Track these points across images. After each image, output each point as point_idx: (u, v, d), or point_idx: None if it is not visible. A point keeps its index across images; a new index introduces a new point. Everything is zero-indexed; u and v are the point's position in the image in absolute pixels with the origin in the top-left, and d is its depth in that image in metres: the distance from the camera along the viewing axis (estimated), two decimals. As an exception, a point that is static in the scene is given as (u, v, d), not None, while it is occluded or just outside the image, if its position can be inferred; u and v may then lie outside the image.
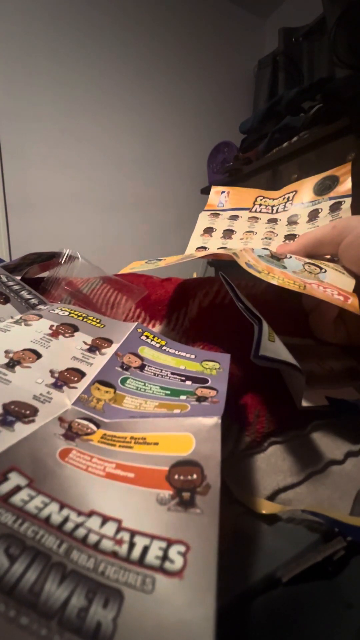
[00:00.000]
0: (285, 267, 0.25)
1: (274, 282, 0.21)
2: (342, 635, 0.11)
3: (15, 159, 1.46)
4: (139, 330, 0.25)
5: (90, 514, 0.10)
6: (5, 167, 1.44)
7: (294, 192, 0.39)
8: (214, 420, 0.14)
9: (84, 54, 1.58)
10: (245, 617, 0.11)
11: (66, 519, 0.10)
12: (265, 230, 0.36)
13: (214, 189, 0.43)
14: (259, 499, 0.16)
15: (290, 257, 0.26)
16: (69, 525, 0.10)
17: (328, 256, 0.28)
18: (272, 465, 0.18)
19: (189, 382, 0.19)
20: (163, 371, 0.21)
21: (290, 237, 0.34)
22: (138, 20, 1.70)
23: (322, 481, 0.17)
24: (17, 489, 0.11)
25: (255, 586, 0.12)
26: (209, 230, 0.38)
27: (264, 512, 0.15)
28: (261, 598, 0.11)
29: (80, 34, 1.56)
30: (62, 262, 0.40)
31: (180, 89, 1.85)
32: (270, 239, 0.35)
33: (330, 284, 0.23)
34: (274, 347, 0.18)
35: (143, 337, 0.24)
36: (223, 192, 0.42)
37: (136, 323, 0.26)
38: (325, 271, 0.25)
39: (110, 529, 0.10)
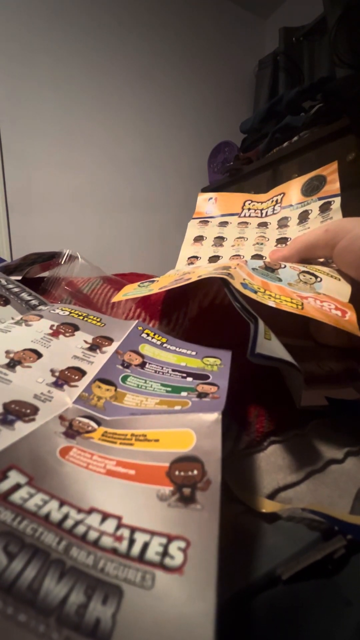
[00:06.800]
0: (280, 280, 0.24)
1: (271, 303, 0.21)
2: (341, 632, 0.11)
3: (17, 159, 1.46)
4: (140, 328, 0.25)
5: (90, 511, 0.10)
6: (6, 167, 1.44)
7: (282, 194, 0.38)
8: (214, 416, 0.14)
9: (85, 54, 1.58)
10: (245, 614, 0.11)
11: (66, 516, 0.10)
12: (257, 236, 0.35)
13: (201, 196, 0.42)
14: (259, 497, 0.16)
15: (285, 266, 0.26)
16: (69, 523, 0.10)
17: (322, 260, 0.28)
18: (272, 464, 0.18)
19: (189, 379, 0.19)
20: (164, 368, 0.21)
21: (281, 240, 0.33)
22: (138, 20, 1.70)
23: (322, 480, 0.17)
24: (17, 487, 0.11)
25: (256, 584, 0.12)
26: (199, 239, 0.37)
27: (264, 510, 0.15)
28: (261, 596, 0.11)
29: (81, 35, 1.56)
30: (63, 262, 0.40)
31: (181, 89, 1.85)
32: (262, 244, 0.34)
33: (327, 296, 0.23)
34: (270, 346, 0.18)
35: (144, 335, 0.24)
36: (210, 198, 0.41)
37: (137, 321, 0.25)
38: (321, 280, 0.24)
39: (110, 525, 0.10)
